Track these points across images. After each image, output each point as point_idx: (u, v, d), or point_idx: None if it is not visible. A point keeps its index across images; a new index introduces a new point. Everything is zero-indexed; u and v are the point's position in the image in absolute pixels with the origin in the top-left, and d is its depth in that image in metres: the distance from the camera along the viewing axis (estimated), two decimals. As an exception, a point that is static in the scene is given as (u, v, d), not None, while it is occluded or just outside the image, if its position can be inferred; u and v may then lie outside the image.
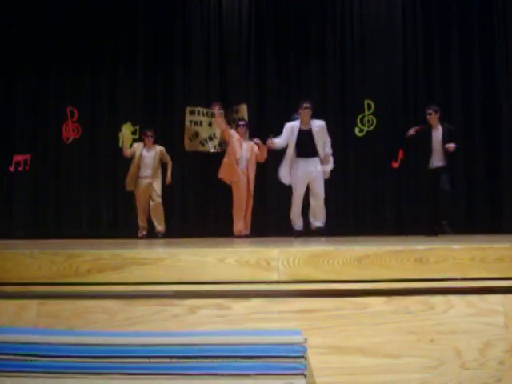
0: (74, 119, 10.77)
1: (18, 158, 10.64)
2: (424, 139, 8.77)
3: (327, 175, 8.52)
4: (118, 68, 10.86)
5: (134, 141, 10.52)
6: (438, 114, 8.74)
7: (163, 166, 9.76)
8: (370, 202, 10.50)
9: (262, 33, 10.98)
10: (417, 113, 10.35)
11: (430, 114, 8.72)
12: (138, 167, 9.53)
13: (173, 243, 5.42)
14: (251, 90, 10.85)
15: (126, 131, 10.43)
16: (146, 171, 9.55)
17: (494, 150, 10.25)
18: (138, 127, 10.64)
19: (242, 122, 9.32)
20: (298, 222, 8.48)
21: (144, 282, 2.87)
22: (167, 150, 10.34)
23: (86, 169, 10.85)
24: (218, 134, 10.50)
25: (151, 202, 9.60)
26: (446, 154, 8.57)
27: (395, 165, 10.38)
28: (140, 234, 9.54)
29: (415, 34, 10.73)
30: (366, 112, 10.53)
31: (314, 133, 8.38)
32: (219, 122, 9.04)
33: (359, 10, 10.88)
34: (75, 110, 10.76)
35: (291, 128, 8.44)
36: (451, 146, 8.48)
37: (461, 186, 10.28)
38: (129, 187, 9.57)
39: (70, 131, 10.78)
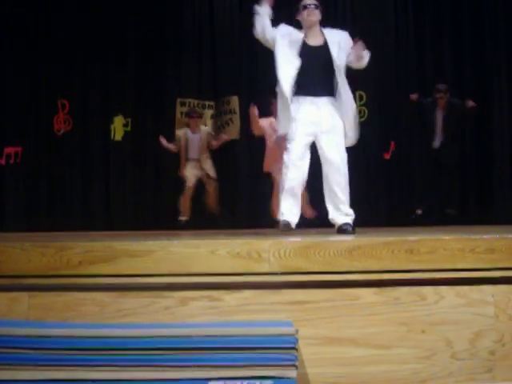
0: (65, 111, 10.72)
1: (8, 150, 10.57)
2: (426, 118, 8.71)
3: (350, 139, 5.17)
4: (109, 60, 10.80)
5: (125, 133, 10.52)
6: (448, 94, 8.67)
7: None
8: (361, 194, 10.50)
9: (254, 23, 10.95)
10: (408, 104, 10.35)
11: (441, 96, 8.57)
12: (186, 150, 9.51)
13: (164, 235, 5.41)
14: (243, 82, 10.83)
15: (118, 124, 10.42)
16: (194, 154, 9.53)
17: (485, 140, 10.26)
18: (129, 120, 10.62)
19: None
20: (286, 211, 4.95)
21: (135, 274, 2.87)
22: (157, 142, 10.33)
23: (78, 161, 10.80)
24: (209, 126, 10.48)
25: (207, 183, 9.52)
26: (445, 137, 8.58)
27: (387, 156, 10.39)
28: (180, 218, 9.44)
29: (407, 24, 10.71)
30: (358, 103, 10.51)
31: (331, 46, 5.08)
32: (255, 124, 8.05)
33: (351, 4, 10.87)
34: (66, 102, 10.71)
35: (290, 39, 5.12)
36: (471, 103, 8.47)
37: (452, 177, 10.28)
38: (181, 173, 9.49)
39: (62, 123, 10.72)
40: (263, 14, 5.13)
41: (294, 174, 4.93)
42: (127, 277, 2.88)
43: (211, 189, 9.51)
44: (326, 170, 4.97)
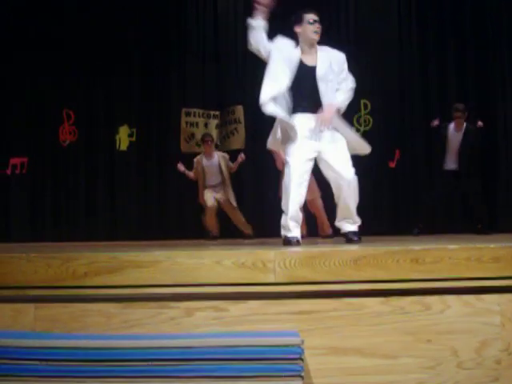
0: (71, 122, 10.75)
1: (14, 160, 10.62)
2: (440, 136, 8.66)
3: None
4: (114, 70, 10.83)
5: (131, 143, 10.55)
6: (466, 114, 8.56)
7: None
8: (366, 202, 10.45)
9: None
10: (413, 113, 10.35)
11: (459, 115, 8.53)
12: (203, 178, 9.29)
13: (169, 245, 5.42)
14: (247, 91, 10.83)
15: (123, 134, 10.46)
16: (213, 180, 9.31)
17: (489, 149, 10.23)
18: (134, 129, 10.64)
19: None
20: (292, 227, 4.72)
21: (141, 284, 2.88)
22: (162, 152, 10.35)
23: (83, 171, 10.83)
24: (214, 135, 10.49)
25: (227, 209, 9.32)
26: (460, 157, 8.52)
27: (392, 165, 10.38)
28: (211, 235, 9.28)
29: (410, 33, 10.71)
30: (363, 112, 10.51)
31: (319, 71, 4.84)
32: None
33: (354, 9, 10.87)
34: (71, 113, 10.74)
35: (287, 55, 4.88)
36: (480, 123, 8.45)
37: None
38: (201, 200, 9.38)
39: (67, 134, 10.75)
40: (257, 28, 4.91)
41: (296, 189, 4.72)
42: (133, 287, 2.88)
43: (233, 214, 9.39)
44: (337, 183, 4.78)
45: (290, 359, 2.51)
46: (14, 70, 10.66)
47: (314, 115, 4.83)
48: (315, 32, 4.89)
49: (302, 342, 2.57)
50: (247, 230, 9.30)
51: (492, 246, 2.95)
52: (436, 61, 10.55)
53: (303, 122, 4.82)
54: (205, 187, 9.25)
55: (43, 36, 10.71)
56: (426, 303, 2.89)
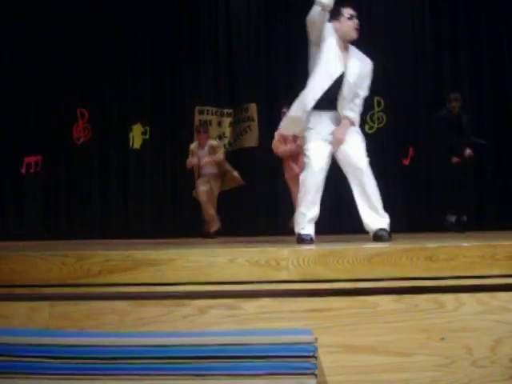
0: (85, 120, 10.80)
1: (29, 159, 10.68)
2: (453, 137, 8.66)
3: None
4: (127, 68, 10.87)
5: (144, 141, 10.58)
6: (460, 102, 8.63)
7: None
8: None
9: (271, 31, 10.96)
10: (426, 110, 10.30)
11: (457, 104, 8.54)
12: (199, 167, 9.17)
13: (183, 243, 5.43)
14: (261, 89, 10.83)
15: (136, 132, 10.50)
16: (208, 169, 9.16)
17: (504, 145, 10.18)
18: (147, 128, 10.67)
19: None
20: (306, 224, 4.59)
21: (155, 282, 2.88)
22: (176, 150, 10.34)
23: (97, 169, 10.88)
24: (227, 133, 10.50)
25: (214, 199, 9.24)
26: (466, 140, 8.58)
27: (405, 162, 10.34)
28: (212, 230, 9.20)
29: (423, 31, 10.69)
30: (376, 109, 10.49)
31: (348, 74, 4.60)
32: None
33: (368, 6, 10.83)
34: (85, 111, 10.79)
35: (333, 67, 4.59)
36: (468, 152, 8.43)
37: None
38: (195, 191, 9.31)
39: (81, 132, 10.81)
40: (327, 7, 4.45)
41: (315, 186, 4.58)
42: (147, 285, 2.89)
43: (211, 204, 9.33)
44: (356, 175, 4.63)
45: (303, 357, 2.50)
46: (28, 70, 10.71)
47: (336, 113, 4.67)
48: (355, 29, 4.69)
49: (316, 339, 2.57)
50: (214, 225, 9.09)
51: (506, 243, 2.93)
52: (450, 58, 10.50)
53: (320, 121, 4.68)
54: (199, 176, 9.20)
55: (57, 36, 10.76)
56: (440, 301, 2.88)
